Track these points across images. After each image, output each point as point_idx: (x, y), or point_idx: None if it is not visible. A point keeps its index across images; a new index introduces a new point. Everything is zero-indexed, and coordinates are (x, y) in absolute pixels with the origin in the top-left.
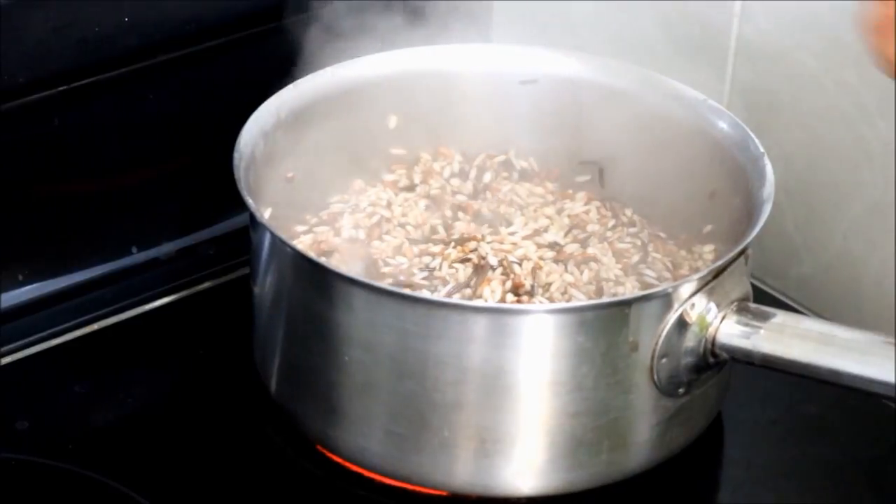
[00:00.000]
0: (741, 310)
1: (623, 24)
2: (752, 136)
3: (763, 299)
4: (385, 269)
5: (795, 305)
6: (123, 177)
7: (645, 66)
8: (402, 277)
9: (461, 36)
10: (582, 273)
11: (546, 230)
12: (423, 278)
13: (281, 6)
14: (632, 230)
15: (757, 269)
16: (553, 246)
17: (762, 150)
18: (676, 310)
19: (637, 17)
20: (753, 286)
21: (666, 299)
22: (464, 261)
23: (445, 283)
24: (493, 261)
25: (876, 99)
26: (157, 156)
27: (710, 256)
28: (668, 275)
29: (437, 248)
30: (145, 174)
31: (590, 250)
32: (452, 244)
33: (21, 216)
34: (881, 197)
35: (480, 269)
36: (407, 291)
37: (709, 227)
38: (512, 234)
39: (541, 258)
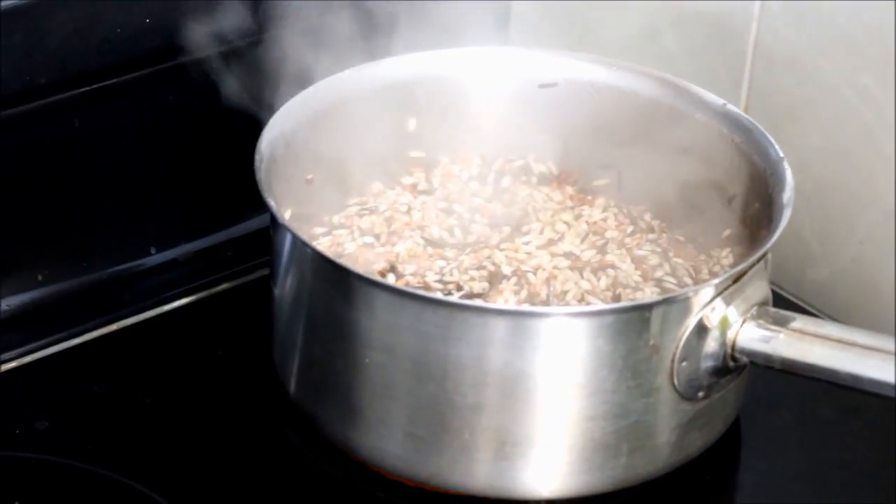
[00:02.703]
0: (761, 314)
1: (641, 28)
2: (772, 140)
3: (780, 304)
4: (402, 272)
5: (812, 310)
6: (143, 178)
7: (663, 70)
8: (416, 281)
9: (480, 39)
10: (599, 280)
11: (562, 239)
12: (437, 281)
13: (302, 10)
14: (651, 236)
15: (774, 273)
16: (569, 255)
17: (781, 154)
18: (696, 314)
19: (655, 21)
20: (772, 291)
21: (686, 304)
22: (478, 268)
23: (460, 288)
24: (506, 270)
25: (893, 102)
26: (177, 157)
27: (728, 261)
28: (688, 280)
29: (451, 253)
30: (164, 175)
31: (608, 257)
32: (468, 250)
33: (41, 217)
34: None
35: (494, 277)
36: (428, 294)
37: (728, 232)
38: (526, 243)
39: (555, 267)
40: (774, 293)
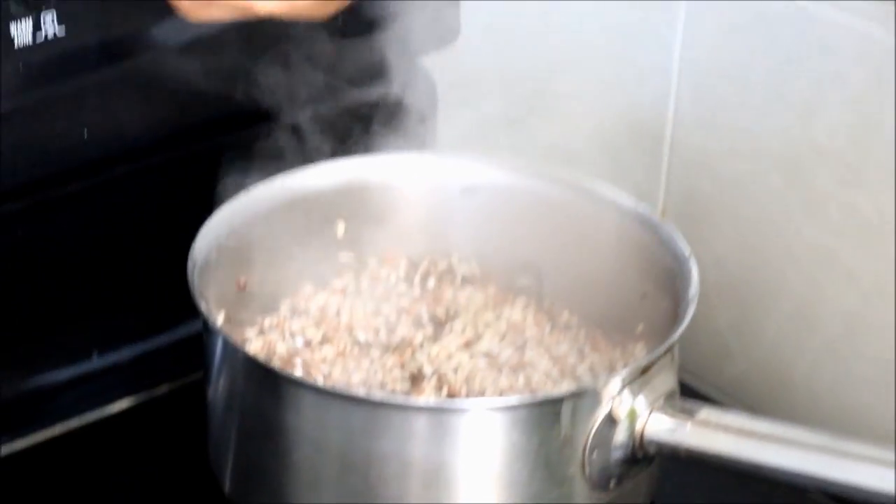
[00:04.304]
0: (668, 405)
1: (563, 133)
2: (679, 239)
3: (698, 398)
4: (329, 373)
5: (731, 403)
6: (85, 286)
7: (585, 173)
8: (343, 380)
9: (406, 145)
10: (518, 378)
11: (481, 338)
12: (362, 381)
13: (234, 120)
14: (569, 334)
15: (693, 367)
16: (488, 354)
17: (688, 253)
18: (605, 405)
19: (576, 126)
20: (691, 385)
21: (595, 396)
22: (401, 367)
23: (383, 387)
24: (428, 370)
25: (801, 204)
26: (116, 264)
27: (642, 355)
28: (605, 375)
29: (376, 353)
30: (105, 282)
31: (526, 355)
32: (391, 350)
33: None
34: (806, 299)
35: (416, 376)
36: (351, 392)
37: (641, 327)
38: (447, 343)
39: (475, 367)
40: (693, 387)
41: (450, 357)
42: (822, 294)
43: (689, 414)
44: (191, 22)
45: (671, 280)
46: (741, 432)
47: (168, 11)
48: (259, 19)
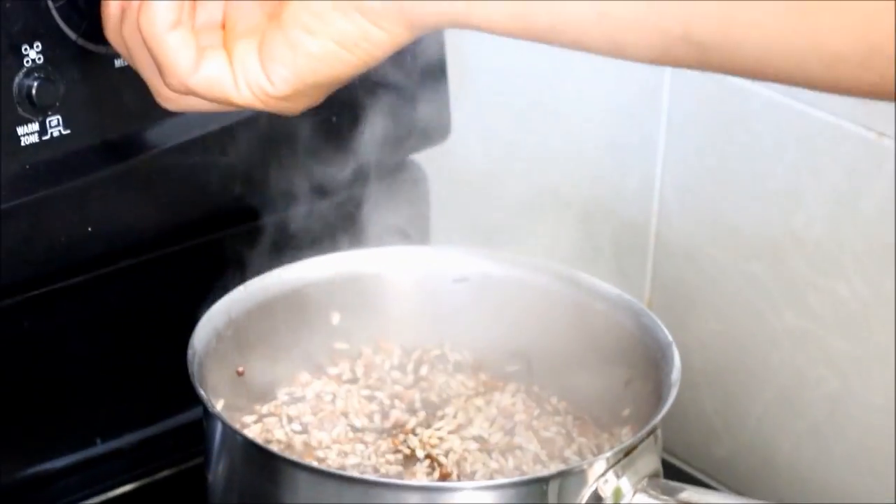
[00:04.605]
0: (651, 485)
1: (553, 225)
2: (661, 326)
3: (685, 479)
4: (325, 457)
5: (716, 485)
6: (88, 374)
7: (572, 264)
8: (337, 464)
9: (399, 238)
10: (507, 461)
11: (472, 423)
12: (356, 465)
13: (232, 216)
14: (557, 418)
15: (682, 449)
16: (478, 438)
17: (671, 339)
18: (591, 486)
19: (562, 218)
20: (679, 467)
21: (581, 476)
22: (394, 452)
23: (376, 470)
24: (420, 453)
25: (781, 291)
26: (119, 354)
27: (628, 438)
28: (591, 458)
29: (370, 438)
30: (108, 371)
31: (516, 439)
32: (385, 435)
33: None
34: (789, 382)
35: (409, 460)
36: (346, 473)
37: (627, 411)
38: (439, 428)
39: (465, 450)
40: (681, 469)
41: (442, 441)
42: (804, 378)
43: (673, 494)
44: (170, 111)
45: (655, 366)
46: None
47: (167, 114)
48: (238, 110)
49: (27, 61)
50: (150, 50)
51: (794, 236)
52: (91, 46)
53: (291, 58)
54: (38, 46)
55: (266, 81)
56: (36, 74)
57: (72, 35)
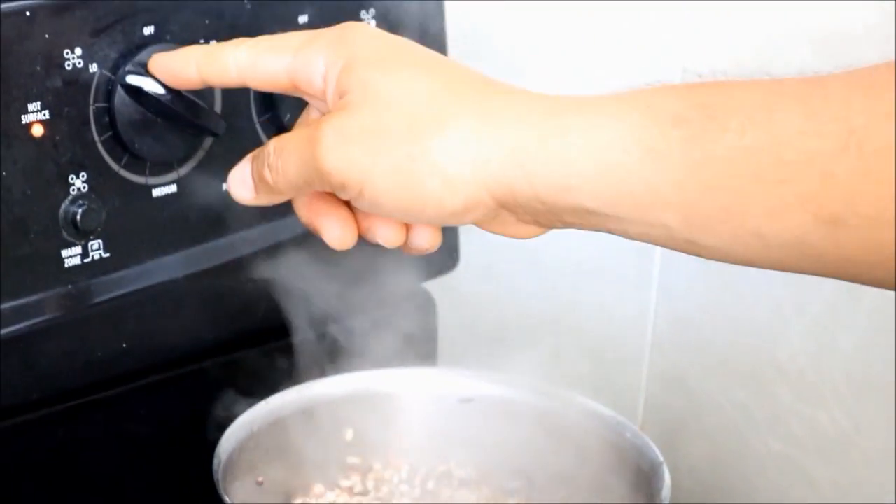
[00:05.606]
0: None
1: (551, 351)
2: (654, 446)
3: None
4: None
5: None
6: (119, 482)
7: (569, 388)
8: None
9: (409, 360)
10: None
11: None
12: None
13: (255, 336)
14: None
15: None
16: None
17: (661, 459)
18: None
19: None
20: None
21: None
22: None
23: None
24: None
25: (766, 418)
26: (147, 462)
27: None
28: None
29: None
30: (137, 479)
31: None
32: None
33: None
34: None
35: None
36: None
37: None
38: None
39: None
40: None
41: None
42: (788, 499)
43: None
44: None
45: (647, 484)
46: None
47: (198, 241)
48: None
49: (73, 189)
50: None
51: (778, 367)
52: (132, 177)
53: None
54: (83, 176)
55: None
56: (80, 202)
57: (114, 166)
